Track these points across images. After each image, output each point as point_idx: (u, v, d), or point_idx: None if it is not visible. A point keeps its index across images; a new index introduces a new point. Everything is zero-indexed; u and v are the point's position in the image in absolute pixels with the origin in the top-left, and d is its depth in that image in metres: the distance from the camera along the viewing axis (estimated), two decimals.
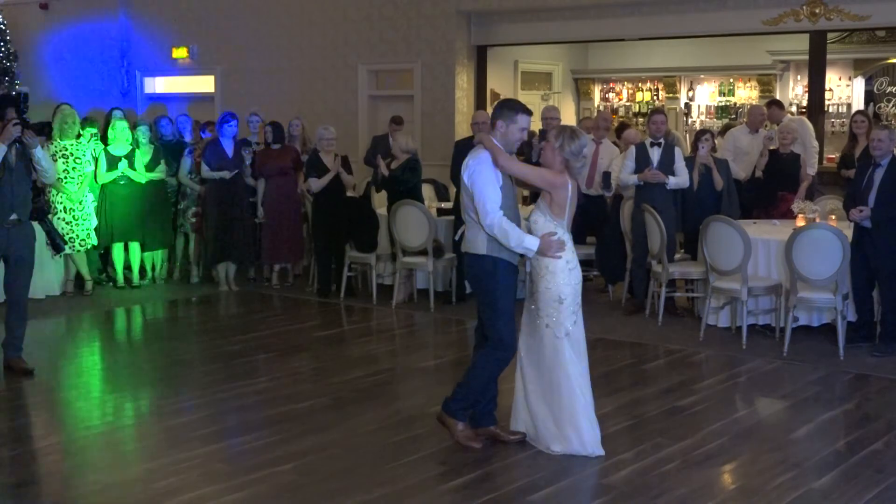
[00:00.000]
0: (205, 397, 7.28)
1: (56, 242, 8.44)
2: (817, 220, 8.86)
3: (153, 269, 11.78)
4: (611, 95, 17.34)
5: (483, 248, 5.87)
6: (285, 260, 11.60)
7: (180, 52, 17.06)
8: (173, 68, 17.30)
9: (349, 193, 10.91)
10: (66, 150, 10.57)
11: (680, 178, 9.64)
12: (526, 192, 11.31)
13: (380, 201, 11.09)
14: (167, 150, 11.50)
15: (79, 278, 11.02)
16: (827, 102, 13.97)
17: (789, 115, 11.80)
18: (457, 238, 6.24)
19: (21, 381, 7.64)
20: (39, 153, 7.76)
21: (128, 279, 11.36)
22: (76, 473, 5.86)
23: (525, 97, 16.02)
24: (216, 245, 11.13)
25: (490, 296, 5.91)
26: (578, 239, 10.98)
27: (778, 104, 11.78)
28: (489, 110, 13.30)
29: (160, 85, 17.83)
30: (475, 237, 5.90)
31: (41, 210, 8.10)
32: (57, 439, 6.55)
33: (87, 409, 7.16)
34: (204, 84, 16.99)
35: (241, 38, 16.32)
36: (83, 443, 6.41)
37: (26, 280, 7.87)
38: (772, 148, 10.40)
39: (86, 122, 11.56)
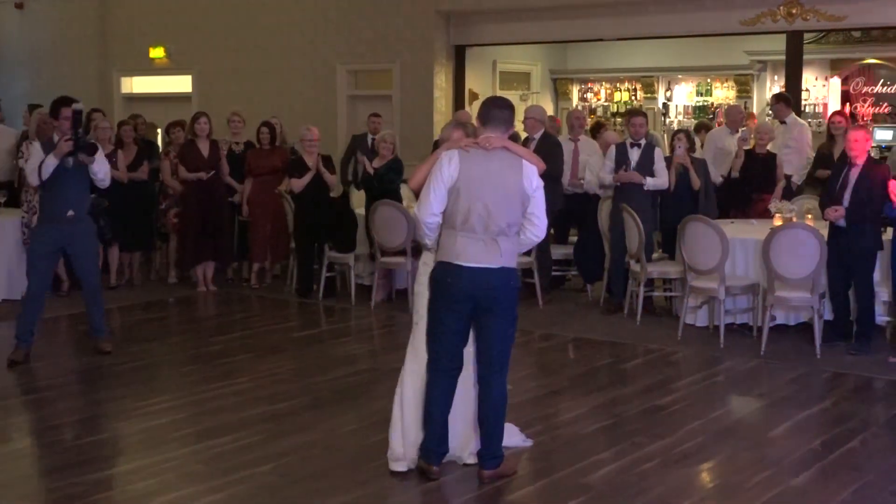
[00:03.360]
0: (183, 398, 7.26)
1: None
2: (794, 220, 8.91)
3: (130, 269, 11.71)
4: (589, 95, 17.37)
5: (515, 259, 5.57)
6: (271, 259, 11.61)
7: (157, 52, 16.98)
8: (150, 68, 17.21)
9: (331, 194, 10.89)
10: None
11: (659, 179, 9.67)
12: None
13: (358, 201, 11.08)
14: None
15: (56, 278, 10.93)
16: (804, 102, 14.03)
17: (794, 115, 11.65)
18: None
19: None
20: (96, 167, 8.02)
21: (105, 280, 11.28)
22: (53, 475, 5.81)
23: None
24: (195, 246, 11.10)
25: (514, 311, 5.59)
26: (561, 238, 11.09)
27: (786, 100, 11.47)
28: (469, 110, 13.35)
29: (137, 85, 17.74)
30: (513, 249, 5.50)
31: (97, 205, 8.44)
32: (33, 441, 6.51)
33: (64, 410, 7.12)
34: (181, 84, 16.92)
35: (219, 38, 16.24)
36: (60, 444, 6.37)
37: (93, 268, 8.48)
38: (747, 148, 10.44)
39: None
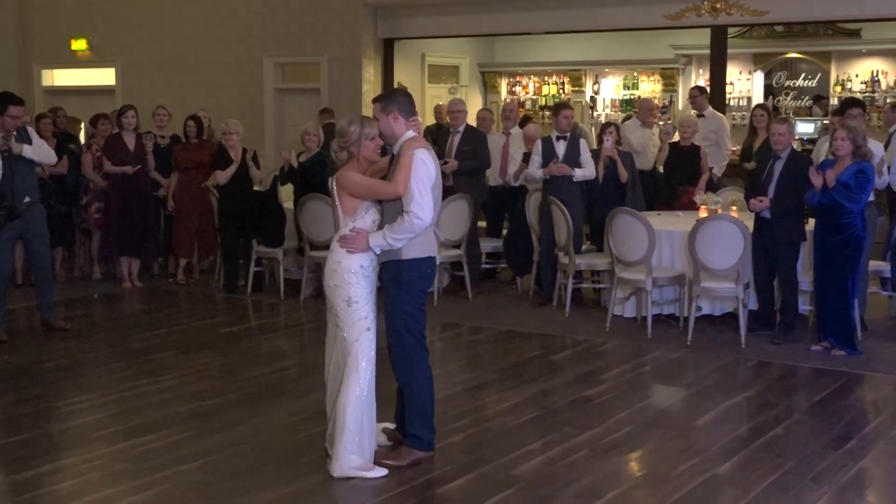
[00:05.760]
0: (108, 396, 7.14)
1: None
2: (719, 212, 9.04)
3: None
4: (517, 89, 17.44)
5: None
6: (198, 254, 11.49)
7: (79, 44, 16.66)
8: (72, 60, 16.89)
9: (256, 188, 10.79)
10: None
11: (586, 170, 9.75)
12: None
13: (286, 195, 10.99)
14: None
15: None
16: (728, 96, 14.24)
17: (711, 108, 11.83)
18: None
19: None
20: (28, 151, 8.66)
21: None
22: None
23: (432, 91, 16.07)
24: (119, 240, 10.93)
25: None
26: (494, 231, 11.13)
27: (703, 91, 11.71)
28: None
29: (59, 78, 17.40)
30: None
31: (47, 192, 9.30)
32: None
33: None
34: (104, 77, 16.63)
35: (143, 30, 16.00)
36: None
37: (47, 251, 9.28)
38: (671, 141, 10.57)
39: None
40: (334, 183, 5.57)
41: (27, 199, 8.67)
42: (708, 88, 12.62)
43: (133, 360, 8.14)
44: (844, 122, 8.40)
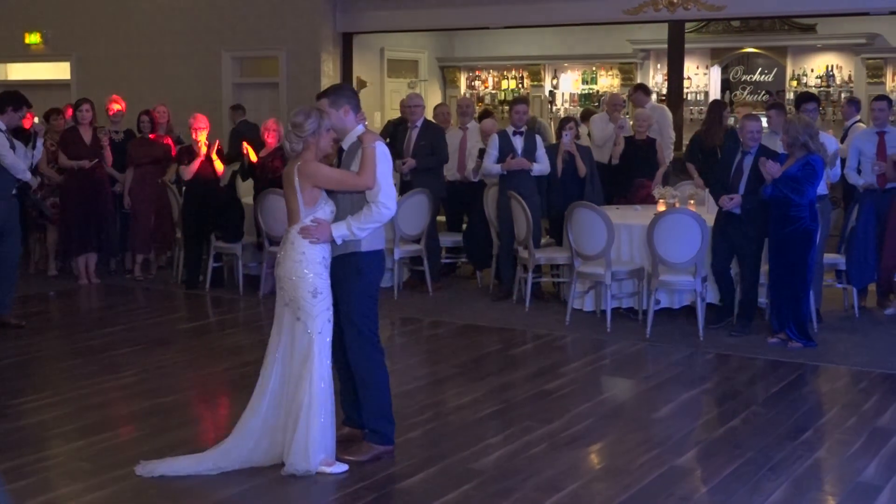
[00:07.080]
0: (65, 394, 7.05)
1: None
2: (677, 206, 9.10)
3: None
4: (477, 83, 17.46)
5: None
6: (156, 250, 11.41)
7: (33, 38, 16.45)
8: (26, 54, 16.68)
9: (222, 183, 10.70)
10: None
11: (541, 165, 9.80)
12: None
13: (245, 190, 10.93)
14: None
15: None
16: (685, 90, 14.35)
17: (652, 101, 11.98)
18: None
19: None
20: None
21: None
22: None
23: (392, 85, 16.05)
24: (77, 236, 10.82)
25: None
26: (454, 226, 11.14)
27: (644, 89, 11.91)
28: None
29: (12, 72, 17.17)
30: None
31: (27, 185, 9.27)
32: None
33: None
34: (59, 71, 16.43)
35: (99, 23, 15.83)
36: None
37: (18, 246, 9.17)
38: (627, 136, 10.63)
39: None
40: (295, 174, 5.47)
41: (14, 192, 8.84)
42: (664, 83, 12.73)
43: (91, 357, 8.05)
44: (786, 117, 8.47)
